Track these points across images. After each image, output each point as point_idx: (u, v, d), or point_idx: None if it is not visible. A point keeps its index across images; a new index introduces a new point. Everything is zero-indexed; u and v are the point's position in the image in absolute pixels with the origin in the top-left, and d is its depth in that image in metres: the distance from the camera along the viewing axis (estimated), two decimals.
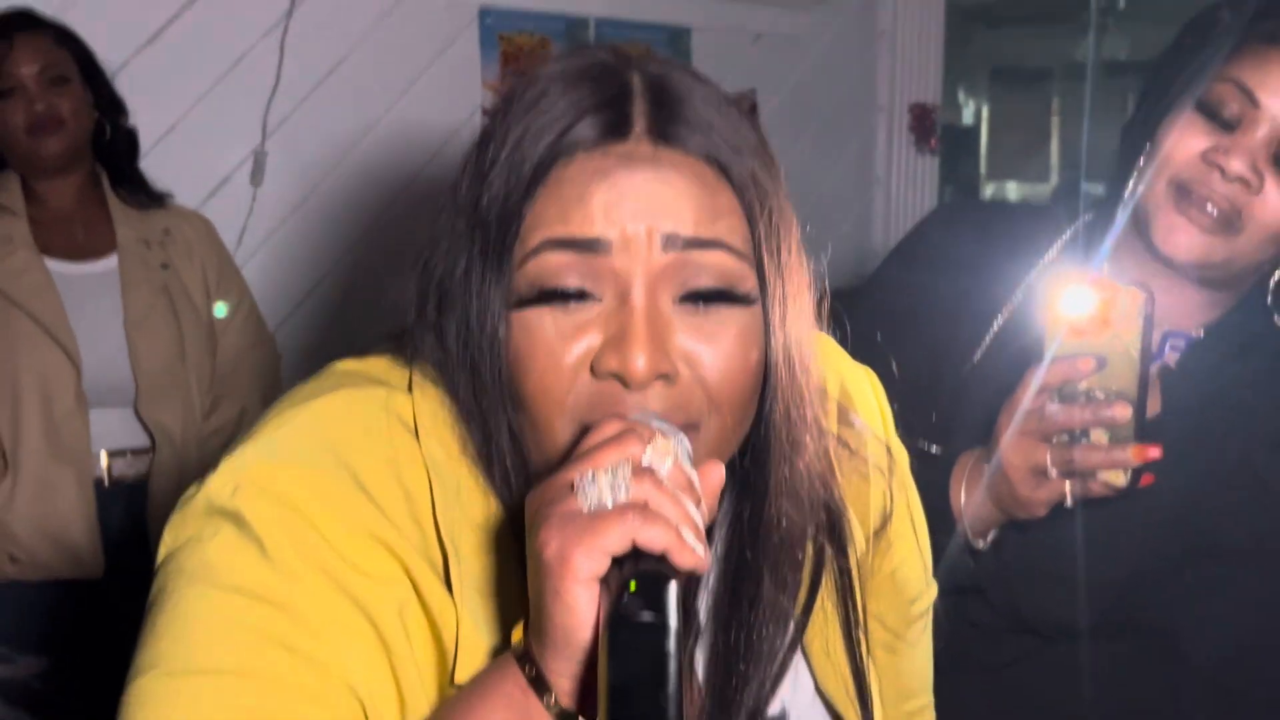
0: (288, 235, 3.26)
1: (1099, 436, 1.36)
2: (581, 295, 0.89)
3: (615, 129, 0.91)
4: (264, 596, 0.87)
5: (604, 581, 0.76)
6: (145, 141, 2.83)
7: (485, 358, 0.93)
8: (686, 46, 4.12)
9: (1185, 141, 1.41)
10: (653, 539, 0.75)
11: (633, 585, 0.73)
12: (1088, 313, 1.35)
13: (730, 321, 0.92)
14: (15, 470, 2.50)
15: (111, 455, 2.61)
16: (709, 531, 1.03)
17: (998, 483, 1.42)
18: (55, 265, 2.59)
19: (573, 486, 0.78)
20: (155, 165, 2.84)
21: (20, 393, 2.50)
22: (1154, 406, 1.49)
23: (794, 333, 0.97)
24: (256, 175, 3.22)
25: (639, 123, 0.92)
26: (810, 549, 1.04)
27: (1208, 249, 1.41)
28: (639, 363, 0.87)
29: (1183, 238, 1.41)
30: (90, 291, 2.62)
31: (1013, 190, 6.81)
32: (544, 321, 0.90)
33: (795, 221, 1.00)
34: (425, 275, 0.98)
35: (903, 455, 1.19)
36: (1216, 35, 1.45)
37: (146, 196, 2.75)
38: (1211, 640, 1.47)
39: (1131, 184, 1.48)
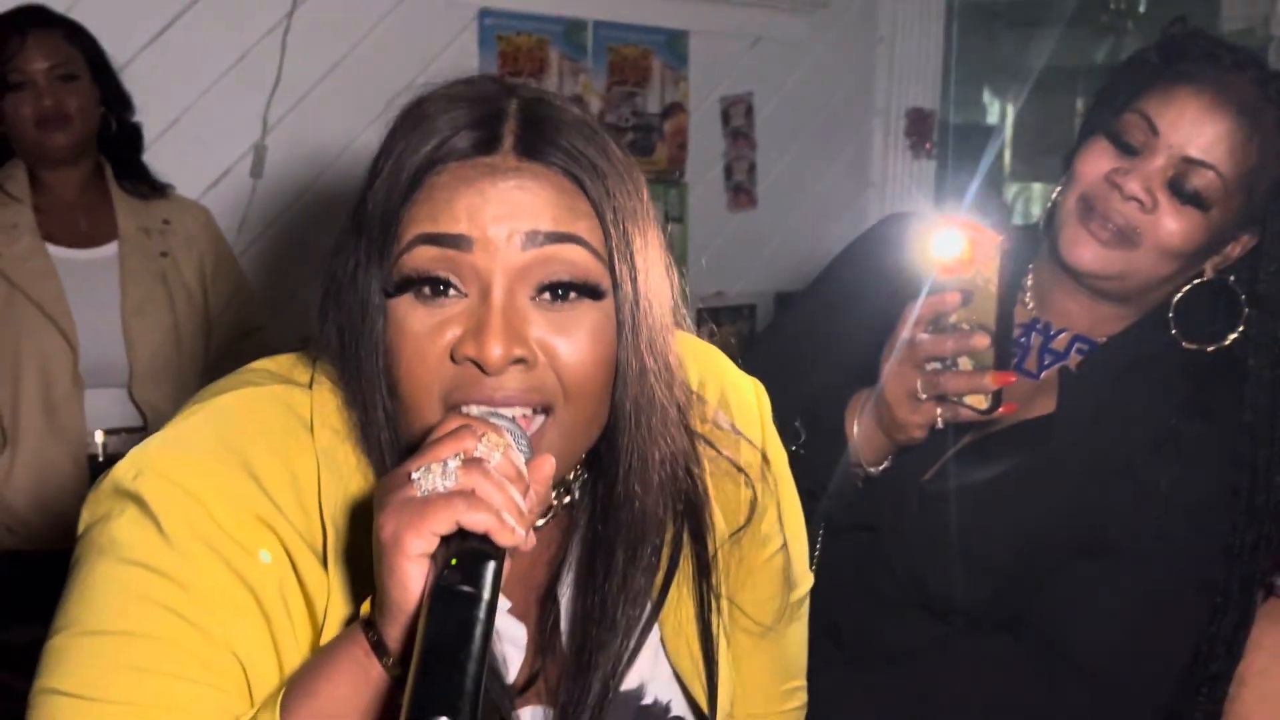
0: (285, 227, 3.38)
1: (965, 364, 1.52)
2: (446, 287, 1.00)
3: (485, 145, 1.03)
4: (159, 570, 0.99)
5: (433, 558, 0.87)
6: (150, 134, 2.96)
7: (365, 347, 1.04)
8: (684, 49, 4.20)
9: (1093, 163, 1.56)
10: (475, 521, 0.87)
11: (454, 561, 0.85)
12: (954, 253, 1.51)
13: (583, 315, 1.03)
14: (14, 446, 2.63)
15: (106, 434, 2.74)
16: (574, 513, 1.15)
17: (880, 409, 1.57)
18: (58, 252, 2.72)
19: (410, 476, 0.89)
20: (159, 157, 2.96)
21: (20, 373, 2.63)
22: (1047, 406, 1.61)
23: (646, 333, 1.07)
24: (257, 168, 3.35)
25: (507, 140, 1.03)
26: (669, 534, 1.15)
27: (1105, 261, 1.55)
28: (495, 350, 0.98)
29: (1084, 250, 1.56)
30: (90, 277, 2.74)
31: (1037, 191, 6.84)
32: (414, 315, 1.01)
33: (657, 234, 1.11)
34: (326, 276, 1.10)
35: (780, 459, 1.30)
36: (1140, 73, 1.59)
37: (149, 187, 2.88)
38: (1093, 636, 1.56)
39: (1050, 201, 1.63)
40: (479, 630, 0.83)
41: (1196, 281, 1.61)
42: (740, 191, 4.43)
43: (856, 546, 1.68)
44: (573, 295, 1.02)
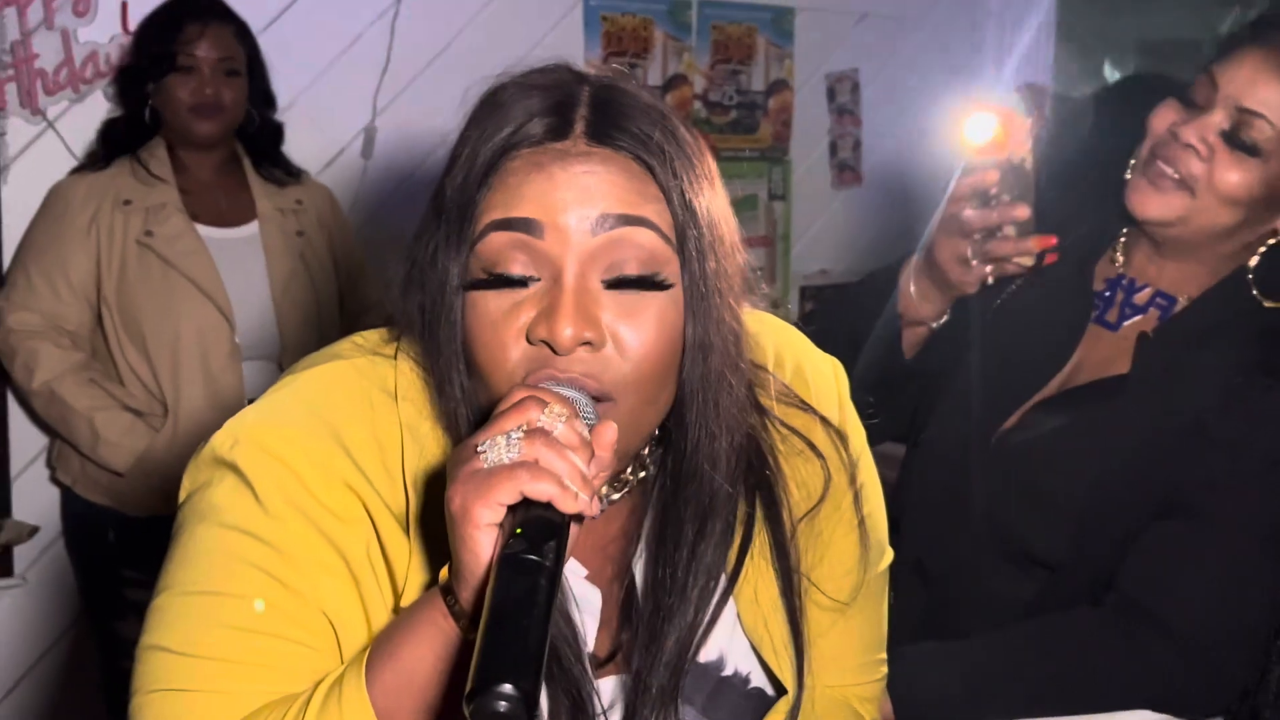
0: (395, 206, 3.47)
1: (1009, 231, 1.68)
2: (523, 282, 1.04)
3: (557, 131, 1.06)
4: (256, 534, 1.06)
5: (501, 526, 0.91)
6: None
7: (444, 329, 1.09)
8: (789, 26, 4.20)
9: (1160, 119, 1.66)
10: (538, 491, 0.91)
11: (518, 530, 0.89)
12: (987, 135, 1.68)
13: (652, 300, 1.06)
14: (175, 418, 2.77)
15: None
16: (648, 488, 1.18)
17: (934, 271, 1.73)
18: (204, 230, 2.86)
19: (476, 449, 0.94)
20: None
21: (180, 347, 2.77)
22: (1125, 366, 1.67)
23: (714, 312, 1.09)
24: (367, 149, 3.45)
25: (578, 126, 1.06)
26: (742, 510, 1.18)
27: (1165, 207, 1.64)
28: (565, 331, 1.02)
29: (1146, 198, 1.65)
30: (237, 255, 2.88)
31: None
32: (489, 298, 1.05)
33: (727, 218, 1.13)
34: (408, 258, 1.14)
35: (859, 437, 1.31)
36: (1228, 43, 1.68)
37: (285, 173, 3.01)
38: (1177, 598, 1.58)
39: (1132, 159, 1.71)
40: (542, 597, 0.86)
41: (1272, 242, 1.67)
42: (845, 169, 4.41)
43: (943, 488, 1.74)
44: (640, 287, 1.05)
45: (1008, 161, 1.66)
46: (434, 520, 1.08)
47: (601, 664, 1.17)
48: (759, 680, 1.22)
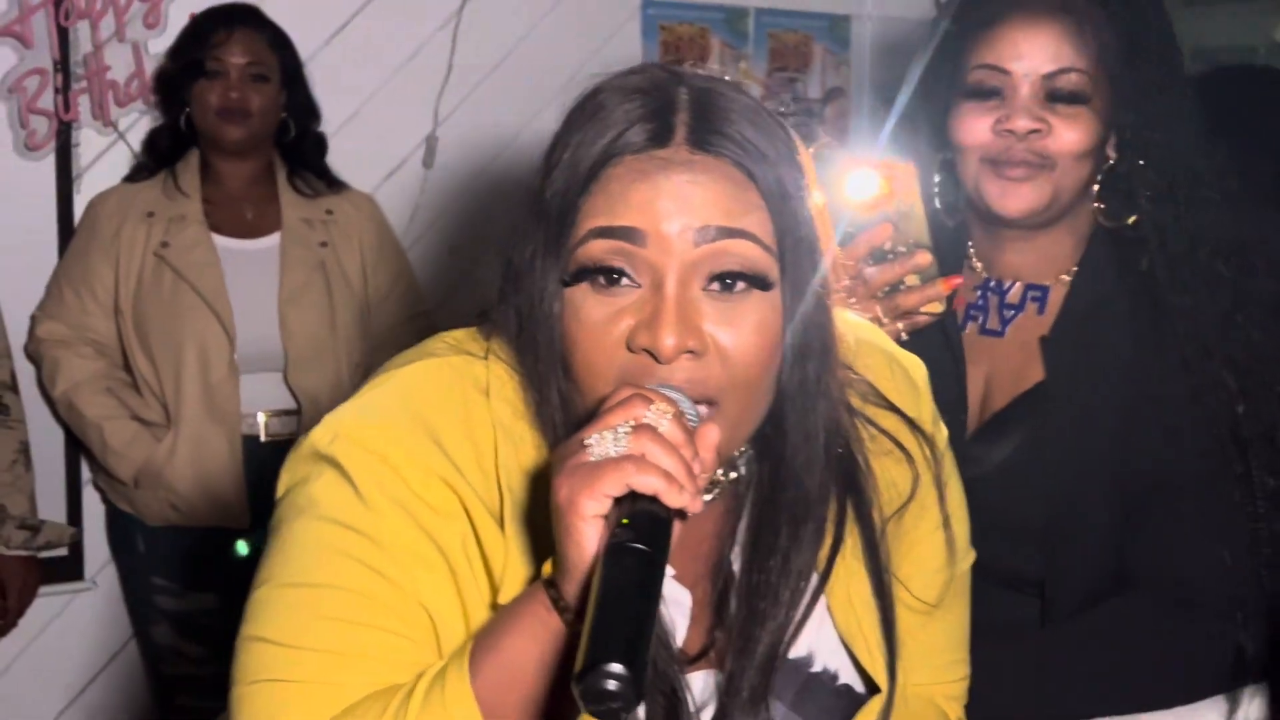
0: (456, 215, 3.50)
1: (913, 281, 1.65)
2: (620, 275, 1.05)
3: (659, 137, 1.07)
4: (355, 527, 1.07)
5: (607, 519, 0.92)
6: (329, 127, 3.10)
7: (542, 333, 1.10)
8: (845, 34, 4.19)
9: (974, 126, 1.65)
10: (644, 484, 0.92)
11: (625, 521, 0.90)
12: (872, 190, 1.63)
13: (752, 307, 1.06)
14: (176, 428, 2.80)
15: (270, 415, 2.88)
16: (739, 489, 1.19)
17: None
18: (223, 241, 2.88)
19: (584, 443, 0.95)
20: (337, 150, 3.10)
21: (182, 358, 2.80)
22: (1032, 371, 1.68)
23: (813, 318, 1.11)
24: (429, 159, 3.47)
25: (680, 132, 1.07)
26: (833, 510, 1.18)
27: (1036, 195, 1.63)
28: (668, 341, 1.03)
29: (1013, 196, 1.64)
30: (251, 267, 2.89)
31: None
32: (589, 303, 1.06)
33: (826, 220, 1.14)
34: (504, 260, 1.16)
35: (941, 436, 1.31)
36: (959, 31, 1.69)
37: (326, 185, 3.02)
38: (1197, 569, 1.58)
39: (941, 181, 1.72)
40: (649, 582, 0.87)
41: (1105, 167, 1.67)
42: None
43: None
44: (742, 285, 1.06)
45: (897, 212, 1.63)
46: (530, 518, 1.09)
47: (692, 661, 1.18)
48: (848, 677, 1.23)
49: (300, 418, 2.86)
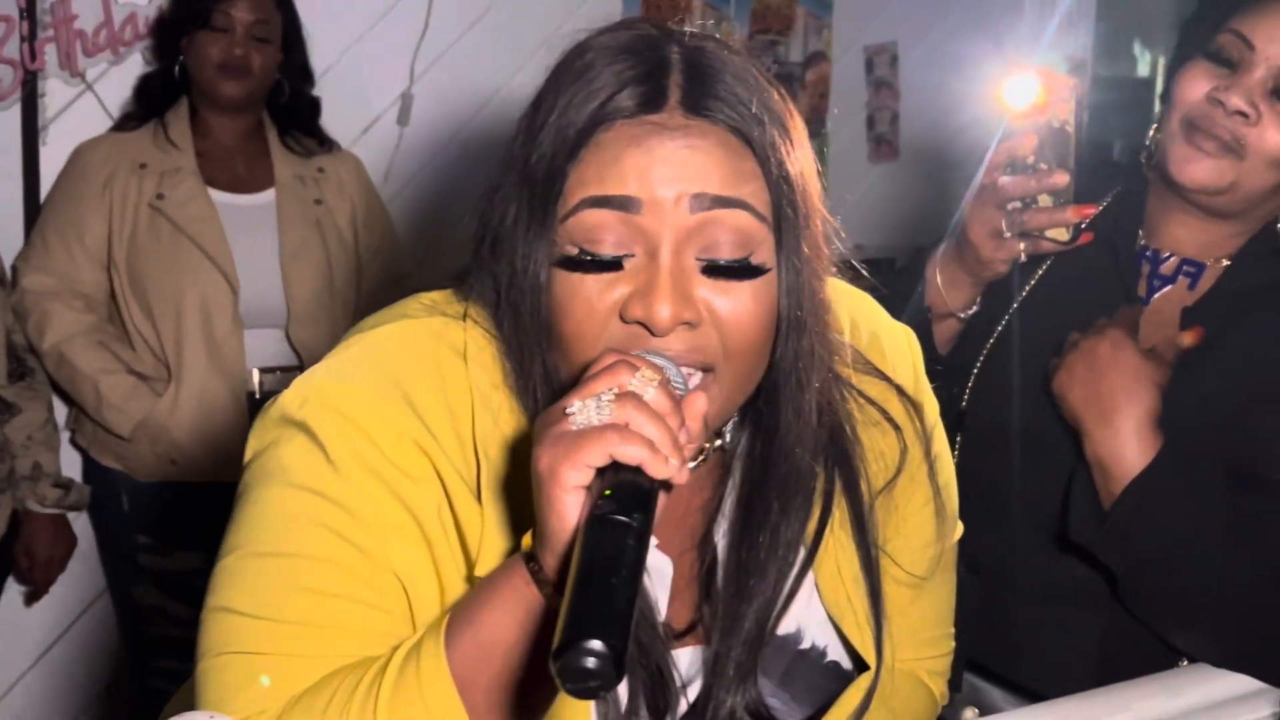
0: (431, 174, 3.44)
1: (1044, 200, 1.62)
2: (618, 263, 1.01)
3: (651, 100, 1.03)
4: (326, 494, 1.03)
5: (589, 489, 0.89)
6: None
7: (526, 301, 1.06)
8: None
9: (1194, 84, 1.60)
10: (628, 454, 0.88)
11: (608, 492, 0.87)
12: (1028, 98, 1.60)
13: (746, 279, 1.03)
14: (178, 383, 2.75)
15: (263, 372, 2.84)
16: (725, 458, 1.16)
17: (964, 250, 1.67)
18: (218, 196, 2.83)
19: (566, 411, 0.91)
20: None
21: (184, 312, 2.74)
22: (1187, 338, 1.63)
23: (806, 288, 1.07)
24: (403, 116, 3.41)
25: (673, 95, 1.03)
26: (821, 484, 1.15)
27: (1217, 174, 1.58)
28: (663, 312, 0.99)
29: (1195, 166, 1.59)
30: (249, 222, 2.85)
31: None
32: (582, 277, 1.02)
33: (816, 184, 1.10)
34: (482, 220, 1.11)
35: (932, 407, 1.29)
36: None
37: (317, 144, 2.98)
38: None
39: (1153, 129, 1.67)
40: (631, 556, 0.84)
41: None
42: (882, 143, 4.37)
43: (990, 477, 1.69)
44: (736, 273, 1.03)
45: (1048, 126, 1.60)
46: (508, 489, 1.06)
47: (678, 636, 1.15)
48: (836, 654, 1.20)
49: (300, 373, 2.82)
